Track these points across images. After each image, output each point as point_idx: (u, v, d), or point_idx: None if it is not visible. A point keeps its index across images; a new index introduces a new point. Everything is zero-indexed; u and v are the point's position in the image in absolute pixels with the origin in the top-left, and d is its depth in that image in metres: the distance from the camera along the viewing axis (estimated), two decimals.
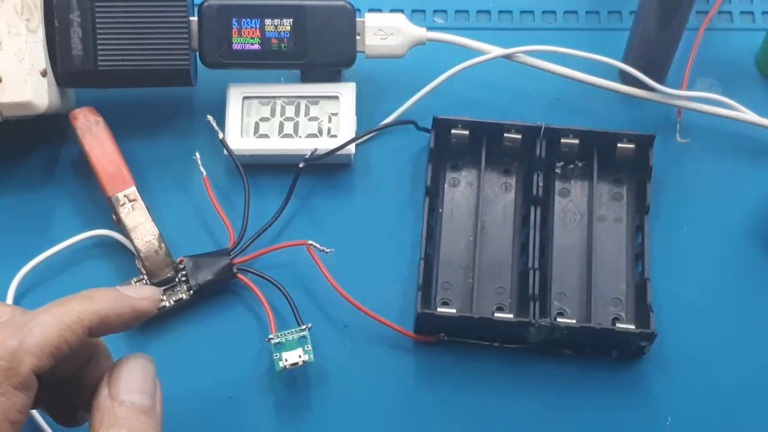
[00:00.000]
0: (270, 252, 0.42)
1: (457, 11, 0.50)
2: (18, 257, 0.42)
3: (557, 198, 0.44)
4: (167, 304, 0.41)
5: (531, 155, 0.44)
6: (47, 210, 0.45)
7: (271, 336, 0.39)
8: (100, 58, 0.42)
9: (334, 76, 0.46)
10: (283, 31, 0.44)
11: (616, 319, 0.41)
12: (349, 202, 0.45)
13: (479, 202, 0.43)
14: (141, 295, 0.33)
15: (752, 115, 0.45)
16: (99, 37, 0.42)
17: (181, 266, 0.42)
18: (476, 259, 0.42)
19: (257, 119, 0.45)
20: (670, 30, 0.44)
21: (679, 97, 0.45)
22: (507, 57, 0.45)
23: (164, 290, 0.41)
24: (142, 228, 0.41)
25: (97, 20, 0.42)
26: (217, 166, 0.45)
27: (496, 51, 0.45)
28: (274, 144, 0.44)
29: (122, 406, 0.30)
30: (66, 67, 0.42)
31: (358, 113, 0.45)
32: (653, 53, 0.45)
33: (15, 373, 0.28)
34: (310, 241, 0.41)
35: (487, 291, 0.42)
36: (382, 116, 0.46)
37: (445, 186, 0.45)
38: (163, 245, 0.41)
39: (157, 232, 0.42)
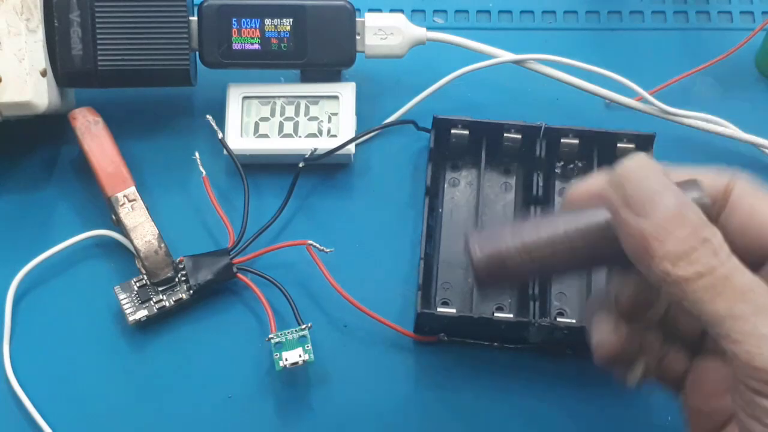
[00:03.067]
0: (270, 252, 0.42)
1: (457, 11, 0.50)
2: (18, 257, 0.42)
3: (557, 198, 0.44)
4: (167, 304, 0.41)
5: (531, 155, 0.44)
6: (47, 210, 0.45)
7: (271, 335, 0.39)
8: (100, 58, 0.42)
9: (334, 76, 0.46)
10: (283, 31, 0.44)
11: None
12: (349, 202, 0.45)
13: (479, 202, 0.43)
14: None
15: (738, 131, 0.45)
16: (99, 37, 0.42)
17: (181, 266, 0.42)
18: None
19: (257, 119, 0.45)
20: None
21: (674, 114, 0.45)
22: (516, 63, 0.45)
23: (164, 290, 0.41)
24: (141, 228, 0.41)
25: (97, 20, 0.42)
26: (217, 166, 0.45)
27: (505, 56, 0.45)
28: (274, 144, 0.44)
29: None
30: (66, 67, 0.42)
31: (358, 113, 0.45)
32: None
33: None
34: (310, 241, 0.41)
35: (487, 291, 0.42)
36: (382, 116, 0.46)
37: (445, 186, 0.45)
38: (162, 245, 0.41)
39: (156, 232, 0.42)
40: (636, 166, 0.26)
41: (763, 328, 0.23)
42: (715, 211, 0.27)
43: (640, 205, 0.25)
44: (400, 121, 0.46)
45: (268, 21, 0.43)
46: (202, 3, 0.43)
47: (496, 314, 0.40)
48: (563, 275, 0.29)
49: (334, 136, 0.44)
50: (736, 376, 0.24)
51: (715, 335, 0.24)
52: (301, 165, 0.43)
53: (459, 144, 0.44)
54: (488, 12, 0.50)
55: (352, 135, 0.44)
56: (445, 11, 0.50)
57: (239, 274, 0.42)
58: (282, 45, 0.44)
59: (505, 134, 0.44)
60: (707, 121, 0.46)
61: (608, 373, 0.31)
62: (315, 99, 0.45)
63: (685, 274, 0.24)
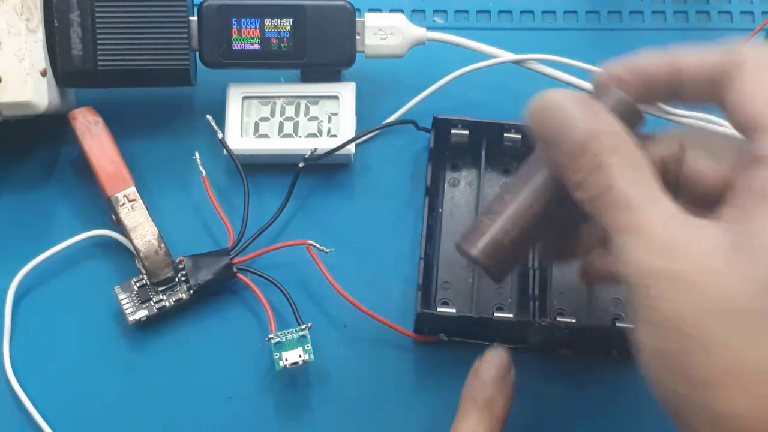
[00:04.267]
0: (270, 252, 0.42)
1: (457, 11, 0.50)
2: (18, 257, 0.42)
3: None
4: (167, 304, 0.41)
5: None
6: (47, 210, 0.45)
7: (271, 335, 0.39)
8: (99, 58, 0.43)
9: (334, 76, 0.46)
10: (283, 31, 0.44)
11: (615, 319, 0.41)
12: (349, 202, 0.45)
13: (479, 202, 0.43)
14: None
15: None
16: (99, 37, 0.42)
17: (181, 266, 0.42)
18: None
19: (257, 119, 0.45)
20: None
21: (674, 114, 0.45)
22: (516, 63, 0.45)
23: (164, 290, 0.41)
24: (141, 228, 0.41)
25: (97, 20, 0.42)
26: (217, 166, 0.45)
27: (505, 56, 0.45)
28: (274, 144, 0.44)
29: None
30: (66, 67, 0.42)
31: (358, 113, 0.45)
32: None
33: None
34: (310, 241, 0.41)
35: (487, 291, 0.42)
36: (382, 116, 0.46)
37: (445, 186, 0.45)
38: (162, 245, 0.41)
39: (156, 232, 0.42)
40: (545, 106, 0.31)
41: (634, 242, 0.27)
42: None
43: (553, 141, 0.30)
44: (400, 121, 0.46)
45: (268, 21, 0.43)
46: (202, 3, 0.43)
47: (496, 314, 0.40)
48: (551, 226, 0.33)
49: (334, 136, 0.44)
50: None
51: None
52: (301, 165, 0.43)
53: (459, 144, 0.44)
54: (488, 12, 0.50)
55: (352, 135, 0.44)
56: (445, 11, 0.50)
57: (239, 274, 0.42)
58: (282, 45, 0.44)
59: (505, 134, 0.44)
60: (707, 121, 0.45)
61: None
62: (315, 99, 0.45)
63: (582, 197, 0.29)
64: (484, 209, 0.34)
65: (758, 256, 0.26)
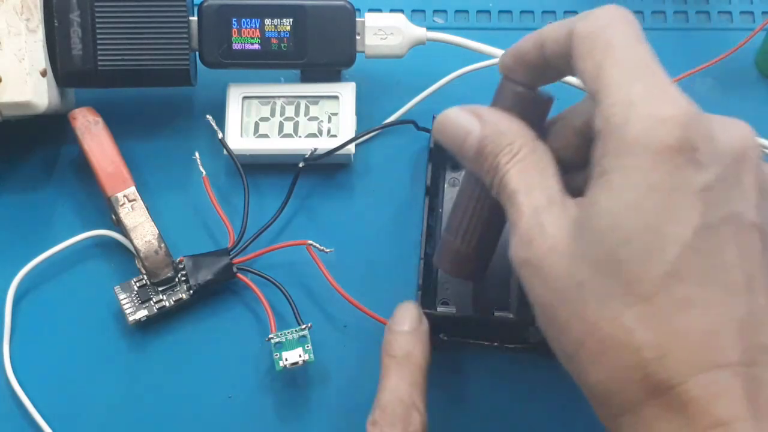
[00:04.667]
0: (270, 252, 0.42)
1: (457, 11, 0.50)
2: (18, 257, 0.42)
3: None
4: (167, 304, 0.41)
5: None
6: (47, 210, 0.45)
7: (271, 335, 0.39)
8: (99, 58, 0.43)
9: (334, 76, 0.46)
10: (283, 31, 0.44)
11: None
12: (349, 202, 0.45)
13: None
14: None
15: None
16: (99, 37, 0.42)
17: (181, 266, 0.42)
18: None
19: (257, 119, 0.45)
20: None
21: None
22: None
23: (164, 290, 0.41)
24: (141, 228, 0.41)
25: (97, 20, 0.42)
26: (217, 166, 0.45)
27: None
28: (274, 144, 0.44)
29: None
30: (66, 67, 0.42)
31: (358, 113, 0.45)
32: None
33: None
34: (310, 241, 0.41)
35: (487, 291, 0.42)
36: (382, 116, 0.46)
37: (445, 186, 0.45)
38: (162, 245, 0.41)
39: (156, 232, 0.42)
40: (441, 123, 0.33)
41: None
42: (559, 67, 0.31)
43: (457, 153, 0.32)
44: (400, 121, 0.46)
45: (268, 21, 0.43)
46: (202, 3, 0.43)
47: (496, 314, 0.40)
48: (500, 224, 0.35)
49: (334, 136, 0.44)
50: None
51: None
52: (301, 165, 0.43)
53: None
54: (488, 12, 0.50)
55: (352, 135, 0.44)
56: (445, 11, 0.50)
57: (239, 274, 0.42)
58: (282, 45, 0.44)
59: None
60: None
61: None
62: (315, 99, 0.45)
63: (496, 196, 0.31)
64: (445, 226, 0.36)
65: (588, 231, 0.27)
